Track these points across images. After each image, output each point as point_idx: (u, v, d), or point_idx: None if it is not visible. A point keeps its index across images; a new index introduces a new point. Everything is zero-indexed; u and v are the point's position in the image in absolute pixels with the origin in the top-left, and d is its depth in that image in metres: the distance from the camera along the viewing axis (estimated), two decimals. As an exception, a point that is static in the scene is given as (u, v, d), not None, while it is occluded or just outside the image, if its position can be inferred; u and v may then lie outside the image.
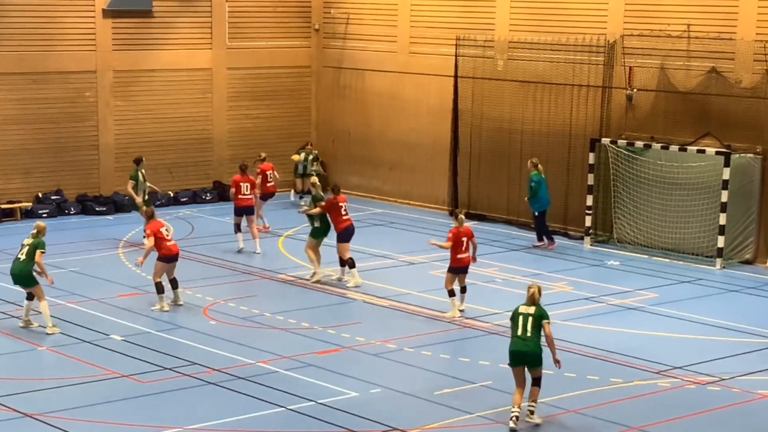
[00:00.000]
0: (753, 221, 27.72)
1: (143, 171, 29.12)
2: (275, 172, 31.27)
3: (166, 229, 23.21)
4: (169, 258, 23.02)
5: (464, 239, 22.62)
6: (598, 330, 22.02)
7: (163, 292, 22.98)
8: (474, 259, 23.10)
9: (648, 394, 18.53)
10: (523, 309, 17.18)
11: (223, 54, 35.33)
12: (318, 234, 25.40)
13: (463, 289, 22.93)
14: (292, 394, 18.19)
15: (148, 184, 29.27)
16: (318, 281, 25.27)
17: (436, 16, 33.88)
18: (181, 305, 23.11)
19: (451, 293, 22.67)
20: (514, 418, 16.83)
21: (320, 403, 17.78)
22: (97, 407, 17.57)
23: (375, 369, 19.64)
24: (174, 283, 23.22)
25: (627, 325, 22.41)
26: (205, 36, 35.08)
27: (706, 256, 27.69)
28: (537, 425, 17.05)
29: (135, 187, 28.72)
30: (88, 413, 17.29)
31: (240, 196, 28.38)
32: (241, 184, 28.46)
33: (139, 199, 28.59)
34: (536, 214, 29.15)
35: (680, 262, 27.74)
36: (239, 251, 28.09)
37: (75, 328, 21.68)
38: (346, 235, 25.09)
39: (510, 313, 17.41)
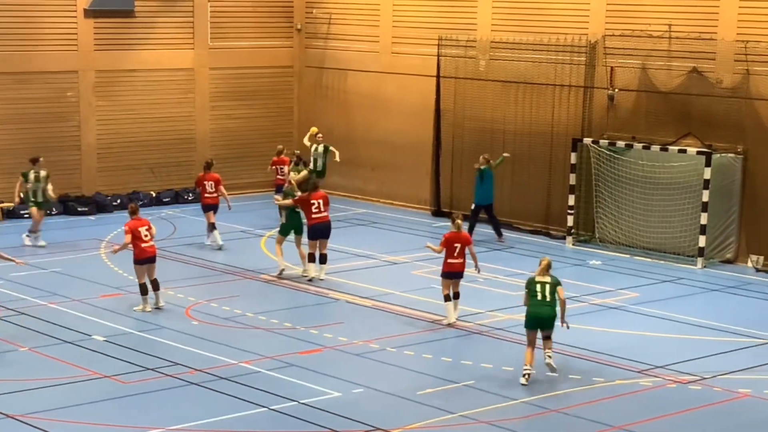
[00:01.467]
0: (734, 221, 27.82)
1: (40, 172, 28.87)
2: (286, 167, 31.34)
3: (147, 229, 22.96)
4: (140, 260, 22.85)
5: (458, 245, 22.18)
6: (580, 329, 22.05)
7: (146, 294, 22.92)
8: (477, 269, 22.46)
9: (630, 394, 18.58)
10: (539, 278, 19.12)
11: (205, 54, 35.30)
12: (283, 230, 25.74)
13: (456, 295, 22.46)
14: (275, 394, 18.19)
15: (50, 187, 28.85)
16: (280, 276, 25.56)
17: (418, 17, 33.92)
18: (160, 308, 23.00)
19: (447, 298, 22.40)
20: (526, 375, 18.79)
21: (303, 403, 17.78)
22: (80, 408, 17.53)
23: (357, 369, 19.65)
24: (155, 285, 23.10)
25: (609, 324, 22.47)
26: (187, 36, 35.05)
27: (688, 256, 27.78)
28: (553, 370, 18.87)
29: (25, 188, 28.47)
30: (70, 414, 17.26)
31: (206, 194, 28.56)
32: (206, 182, 28.58)
33: (15, 202, 28.59)
34: (474, 206, 29.59)
35: (662, 262, 27.83)
36: (219, 248, 28.20)
37: (57, 328, 21.63)
38: (313, 232, 25.16)
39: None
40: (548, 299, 18.90)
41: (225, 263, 26.96)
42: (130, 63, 34.05)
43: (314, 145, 32.28)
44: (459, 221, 22.47)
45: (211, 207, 28.66)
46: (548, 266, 19.17)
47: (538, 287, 19.00)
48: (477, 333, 21.81)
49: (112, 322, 22.14)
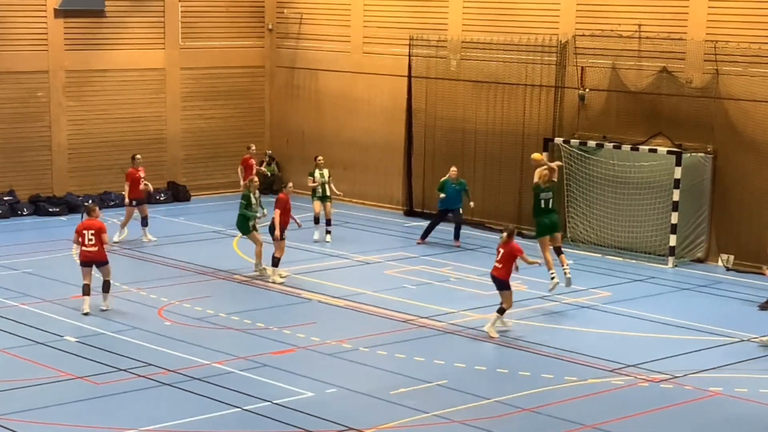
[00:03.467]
0: (704, 220, 27.96)
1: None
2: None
3: (93, 233, 22.54)
4: (82, 262, 22.77)
5: (501, 250, 21.82)
6: (552, 329, 22.15)
7: (87, 295, 22.70)
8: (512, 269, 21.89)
9: (602, 392, 18.66)
10: (543, 195, 23.91)
11: (176, 54, 35.23)
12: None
13: (499, 309, 21.76)
14: (248, 394, 18.18)
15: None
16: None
17: (389, 16, 33.94)
18: (104, 310, 22.80)
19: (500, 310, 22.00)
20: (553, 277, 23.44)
21: (276, 404, 17.78)
22: (51, 409, 17.48)
23: (330, 369, 19.66)
24: (105, 286, 22.89)
25: (581, 323, 22.55)
26: (157, 36, 34.97)
27: (659, 255, 27.91)
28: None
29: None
30: (41, 415, 17.19)
31: (140, 188, 28.92)
32: (139, 175, 28.97)
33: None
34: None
35: (633, 261, 27.95)
36: (149, 242, 28.73)
37: (28, 329, 21.55)
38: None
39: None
40: (551, 207, 24.03)
41: (197, 263, 26.91)
42: (100, 63, 33.95)
43: (317, 171, 29.85)
44: (504, 234, 21.93)
45: (143, 201, 29.04)
46: (550, 178, 23.98)
47: (543, 202, 23.99)
48: (450, 333, 21.85)
49: (83, 322, 22.08)
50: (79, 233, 22.69)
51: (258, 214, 26.62)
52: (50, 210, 32.59)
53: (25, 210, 32.53)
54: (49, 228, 30.98)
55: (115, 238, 28.62)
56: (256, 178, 27.09)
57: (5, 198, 32.50)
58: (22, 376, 19.03)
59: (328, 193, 29.57)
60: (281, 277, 25.30)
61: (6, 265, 26.53)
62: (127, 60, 34.37)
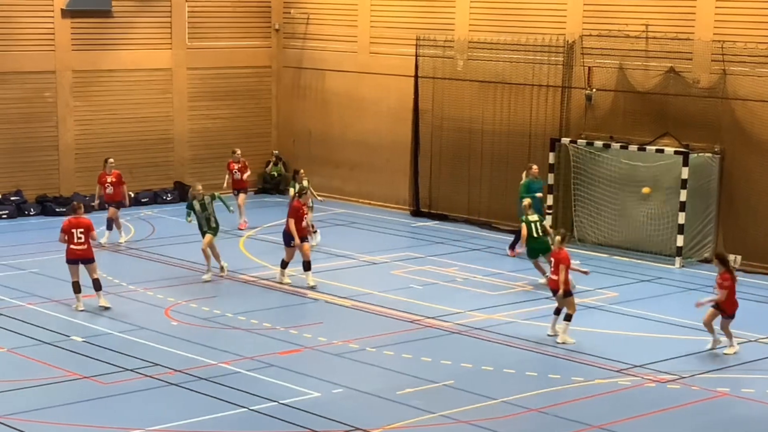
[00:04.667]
0: (711, 220, 27.92)
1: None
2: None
3: (82, 231, 22.68)
4: (69, 260, 22.82)
5: (552, 259, 21.65)
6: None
7: (78, 292, 22.83)
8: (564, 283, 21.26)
9: (608, 393, 18.64)
10: (532, 218, 24.90)
11: (183, 54, 35.24)
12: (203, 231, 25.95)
13: (566, 316, 21.33)
14: (254, 394, 18.17)
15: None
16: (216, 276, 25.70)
17: (396, 17, 33.93)
18: (107, 308, 22.86)
19: (556, 312, 21.61)
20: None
21: (282, 404, 17.77)
22: (58, 409, 17.49)
23: (337, 369, 19.65)
24: (95, 285, 22.95)
25: (588, 324, 22.51)
26: (164, 36, 34.98)
27: (666, 255, 27.87)
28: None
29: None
30: (48, 415, 17.21)
31: (107, 191, 28.92)
32: (106, 179, 28.98)
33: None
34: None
35: (640, 261, 27.91)
36: (123, 242, 28.74)
37: (35, 329, 21.57)
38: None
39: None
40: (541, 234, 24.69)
41: (204, 264, 26.87)
42: (107, 63, 33.97)
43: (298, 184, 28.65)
44: (557, 237, 21.72)
45: (116, 204, 28.94)
46: (529, 207, 24.96)
47: (533, 227, 24.69)
48: (456, 333, 21.83)
49: (90, 322, 22.10)
50: (67, 231, 22.72)
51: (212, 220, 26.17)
52: (57, 210, 32.59)
53: (32, 210, 32.58)
54: (55, 228, 30.52)
55: (121, 240, 28.69)
56: (199, 186, 26.48)
57: (12, 198, 32.56)
58: (29, 375, 19.04)
59: (311, 204, 28.89)
60: (310, 284, 25.08)
61: (13, 265, 26.56)
62: (133, 60, 34.40)
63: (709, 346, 20.87)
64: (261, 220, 31.62)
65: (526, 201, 25.69)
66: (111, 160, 29.54)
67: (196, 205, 25.79)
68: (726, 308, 20.61)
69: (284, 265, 25.33)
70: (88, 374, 19.03)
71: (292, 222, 24.91)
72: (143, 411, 17.51)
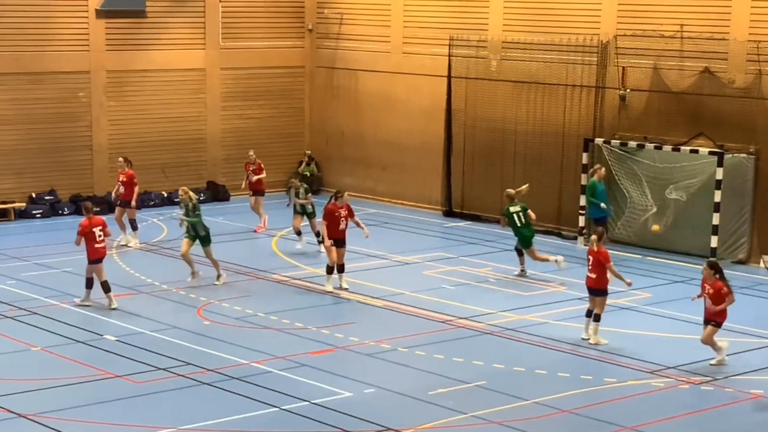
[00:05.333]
0: (746, 221, 27.75)
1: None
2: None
3: (101, 229, 22.90)
4: (94, 260, 22.96)
5: (590, 257, 21.33)
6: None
7: (91, 288, 23.02)
8: (600, 281, 21.18)
9: (641, 394, 18.55)
10: (513, 209, 25.78)
11: (216, 54, 35.32)
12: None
13: (590, 314, 21.35)
14: (286, 394, 18.18)
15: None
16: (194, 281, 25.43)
17: (429, 17, 33.90)
18: (114, 309, 22.96)
19: (587, 314, 21.53)
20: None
21: (314, 403, 17.78)
22: (91, 407, 17.55)
23: (368, 369, 19.65)
24: (105, 287, 23.03)
25: (621, 325, 22.41)
26: (198, 36, 35.07)
27: (700, 256, 27.70)
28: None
29: None
30: (81, 413, 17.28)
31: (119, 191, 28.94)
32: (120, 176, 29.06)
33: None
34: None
35: (673, 262, 27.77)
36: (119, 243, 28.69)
37: (69, 328, 21.66)
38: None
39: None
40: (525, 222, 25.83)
41: (236, 263, 26.95)
42: (141, 63, 34.10)
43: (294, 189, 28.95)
44: (593, 237, 21.42)
45: (123, 204, 28.90)
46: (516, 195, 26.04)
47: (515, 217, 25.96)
48: (488, 333, 21.78)
49: (123, 321, 22.17)
50: (87, 233, 22.82)
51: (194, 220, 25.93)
52: (91, 209, 32.71)
53: (65, 209, 32.72)
54: (89, 227, 31.05)
55: (121, 241, 28.78)
56: (184, 189, 26.45)
57: (46, 197, 32.71)
58: (63, 374, 19.12)
59: (310, 209, 28.58)
60: (343, 286, 24.87)
61: (47, 264, 26.68)
62: (167, 60, 34.50)
63: (719, 358, 20.16)
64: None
65: (509, 190, 26.73)
66: (121, 159, 29.51)
67: (183, 209, 25.69)
68: (720, 320, 19.97)
69: (329, 270, 24.93)
70: (120, 373, 19.09)
71: (324, 225, 24.77)
72: (175, 410, 17.56)
